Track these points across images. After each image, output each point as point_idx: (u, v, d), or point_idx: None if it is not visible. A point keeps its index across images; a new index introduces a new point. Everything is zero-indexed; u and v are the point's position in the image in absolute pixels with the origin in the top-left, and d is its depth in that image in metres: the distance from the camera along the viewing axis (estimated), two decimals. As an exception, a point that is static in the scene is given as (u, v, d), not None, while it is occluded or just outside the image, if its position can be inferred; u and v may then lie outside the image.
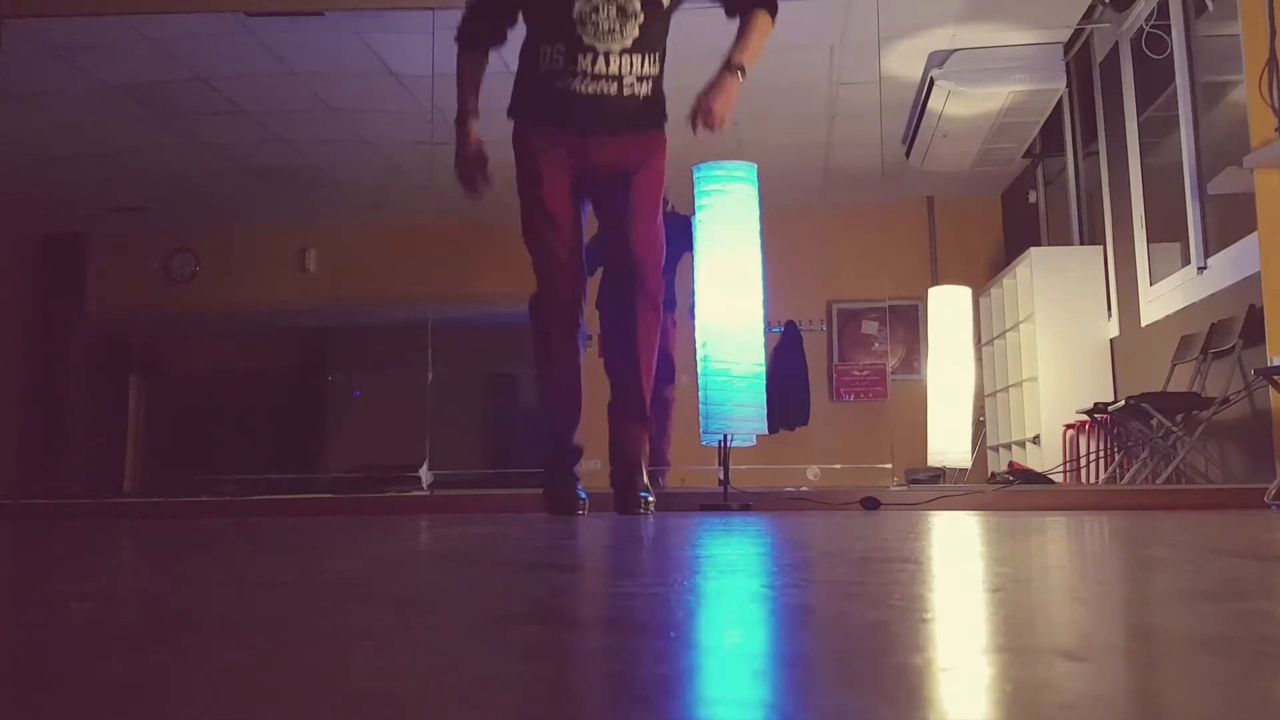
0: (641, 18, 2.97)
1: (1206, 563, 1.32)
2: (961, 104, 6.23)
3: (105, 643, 0.72)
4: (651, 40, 3.01)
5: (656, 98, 3.07)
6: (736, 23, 3.07)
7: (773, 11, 3.06)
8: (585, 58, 2.96)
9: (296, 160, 7.69)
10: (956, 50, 6.03)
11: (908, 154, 7.17)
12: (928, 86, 6.19)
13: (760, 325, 4.04)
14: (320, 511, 4.19)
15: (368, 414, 10.04)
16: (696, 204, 4.12)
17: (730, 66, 2.98)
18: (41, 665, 0.62)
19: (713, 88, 2.95)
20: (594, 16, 2.94)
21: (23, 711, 0.48)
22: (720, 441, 3.91)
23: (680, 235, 4.91)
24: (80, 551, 1.80)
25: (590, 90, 2.97)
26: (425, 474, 5.03)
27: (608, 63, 2.96)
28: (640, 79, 3.01)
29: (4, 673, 0.60)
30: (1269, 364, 3.86)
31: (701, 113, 2.93)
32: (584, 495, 3.08)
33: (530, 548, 1.76)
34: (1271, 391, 3.98)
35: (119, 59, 6.06)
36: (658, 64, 3.05)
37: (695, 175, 4.14)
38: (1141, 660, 0.62)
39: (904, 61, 6.18)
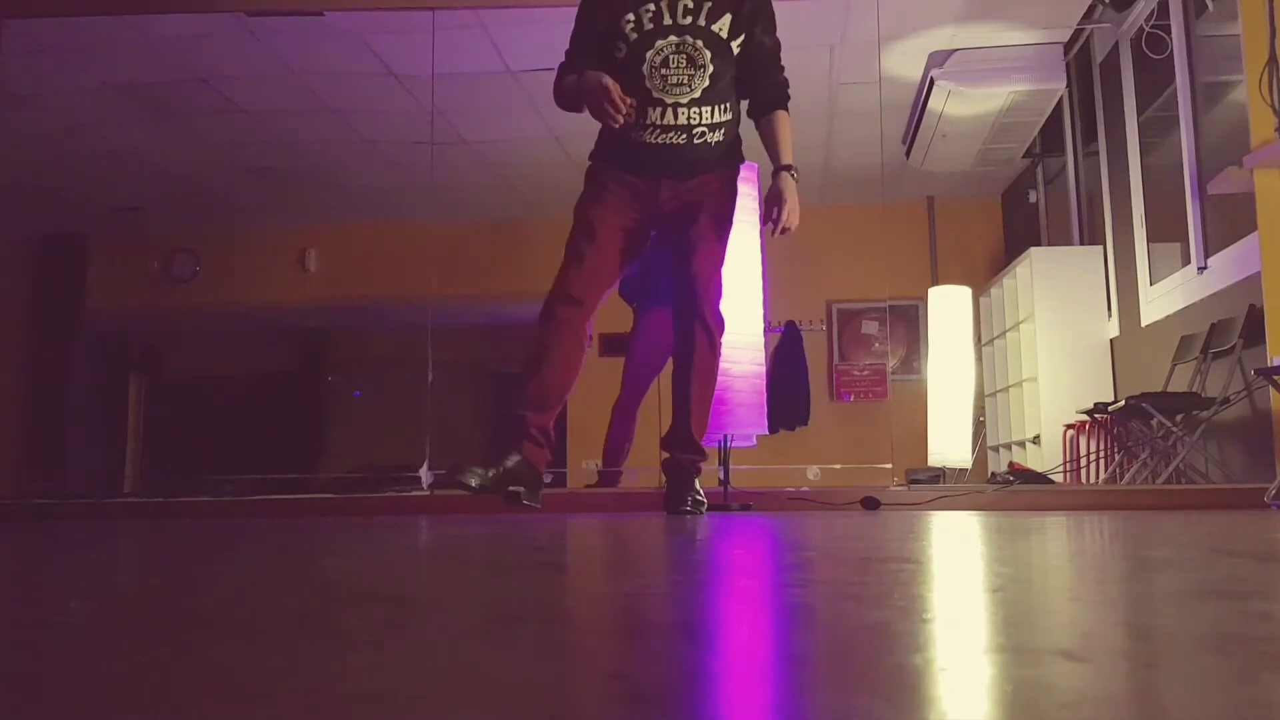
0: (711, 68, 3.05)
1: (1207, 563, 1.32)
2: (961, 104, 6.23)
3: (105, 643, 0.72)
4: (721, 90, 3.09)
5: (729, 142, 3.16)
6: (768, 122, 3.22)
7: (786, 106, 3.23)
8: (655, 110, 3.03)
9: (296, 160, 7.68)
10: (956, 50, 6.02)
11: (908, 154, 7.17)
12: (928, 86, 6.19)
13: (760, 325, 4.03)
14: (320, 512, 4.19)
15: (368, 414, 10.05)
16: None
17: (784, 169, 3.13)
18: (41, 665, 0.62)
19: (779, 197, 3.08)
20: (664, 69, 3.02)
21: (23, 712, 0.48)
22: (720, 442, 3.91)
23: None
24: (80, 551, 1.80)
25: (660, 141, 3.06)
26: (425, 474, 5.02)
27: (676, 115, 3.04)
28: (711, 128, 3.09)
29: (4, 673, 0.60)
30: (1269, 364, 3.86)
31: (779, 225, 3.08)
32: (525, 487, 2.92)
33: (530, 548, 1.76)
34: (1271, 391, 3.98)
35: (119, 59, 6.06)
36: (730, 111, 3.14)
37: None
38: (1141, 660, 0.62)
39: (904, 61, 6.17)
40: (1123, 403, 4.97)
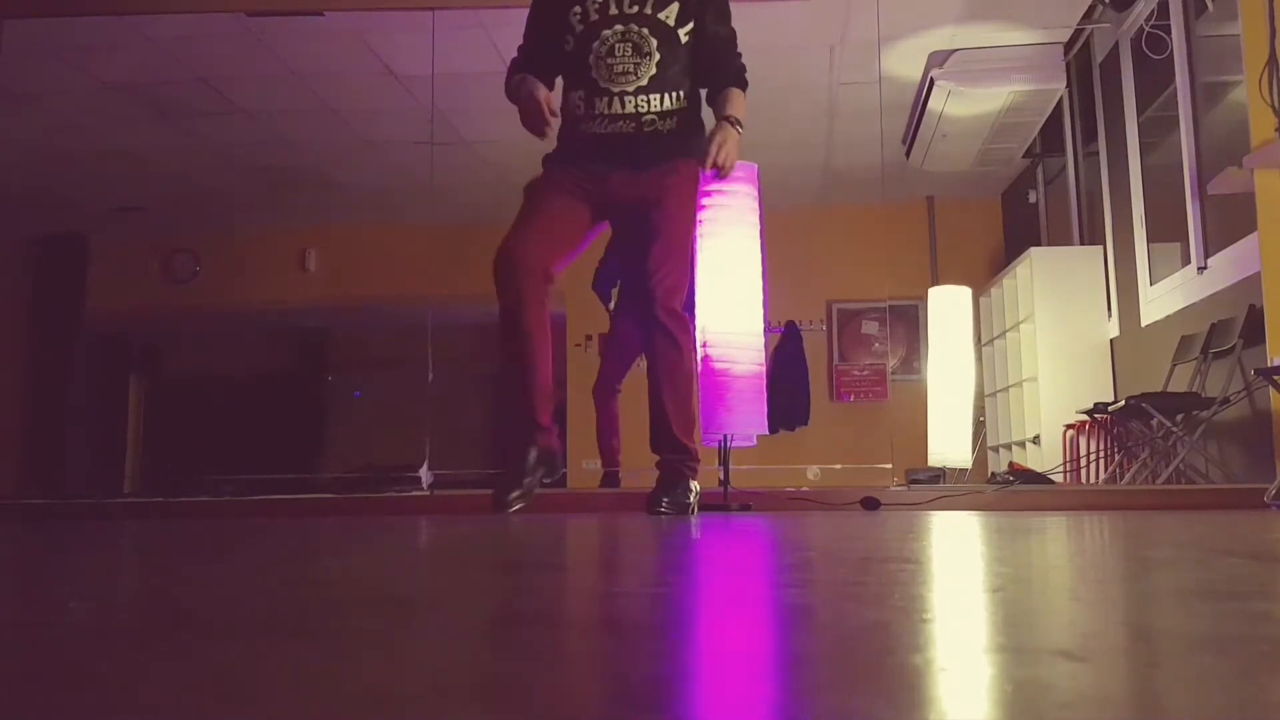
0: (658, 56, 3.02)
1: (1206, 563, 1.32)
2: (961, 104, 6.23)
3: (105, 643, 0.72)
4: (671, 78, 3.05)
5: (684, 130, 3.10)
6: (721, 94, 3.14)
7: (744, 88, 3.16)
8: (602, 100, 3.02)
9: (296, 160, 7.69)
10: (956, 50, 6.03)
11: (908, 154, 7.17)
12: (928, 86, 6.19)
13: (760, 325, 4.03)
14: (320, 512, 4.19)
15: (368, 414, 10.05)
16: (696, 204, 4.12)
17: (727, 120, 3.04)
18: (41, 665, 0.62)
19: (713, 137, 3.00)
20: (609, 59, 3.00)
21: (23, 712, 0.48)
22: (720, 441, 3.90)
23: None
24: (80, 551, 1.80)
25: (608, 131, 3.02)
26: (425, 474, 5.03)
27: (624, 104, 3.01)
28: (661, 116, 3.04)
29: (4, 673, 0.60)
30: (1269, 364, 3.86)
31: (710, 159, 2.98)
32: (527, 489, 2.99)
33: (530, 548, 1.76)
34: (1271, 391, 3.98)
35: (119, 59, 6.06)
36: (683, 100, 3.09)
37: (695, 175, 4.13)
38: (1141, 660, 0.62)
39: (904, 61, 6.18)
40: (1123, 403, 4.97)
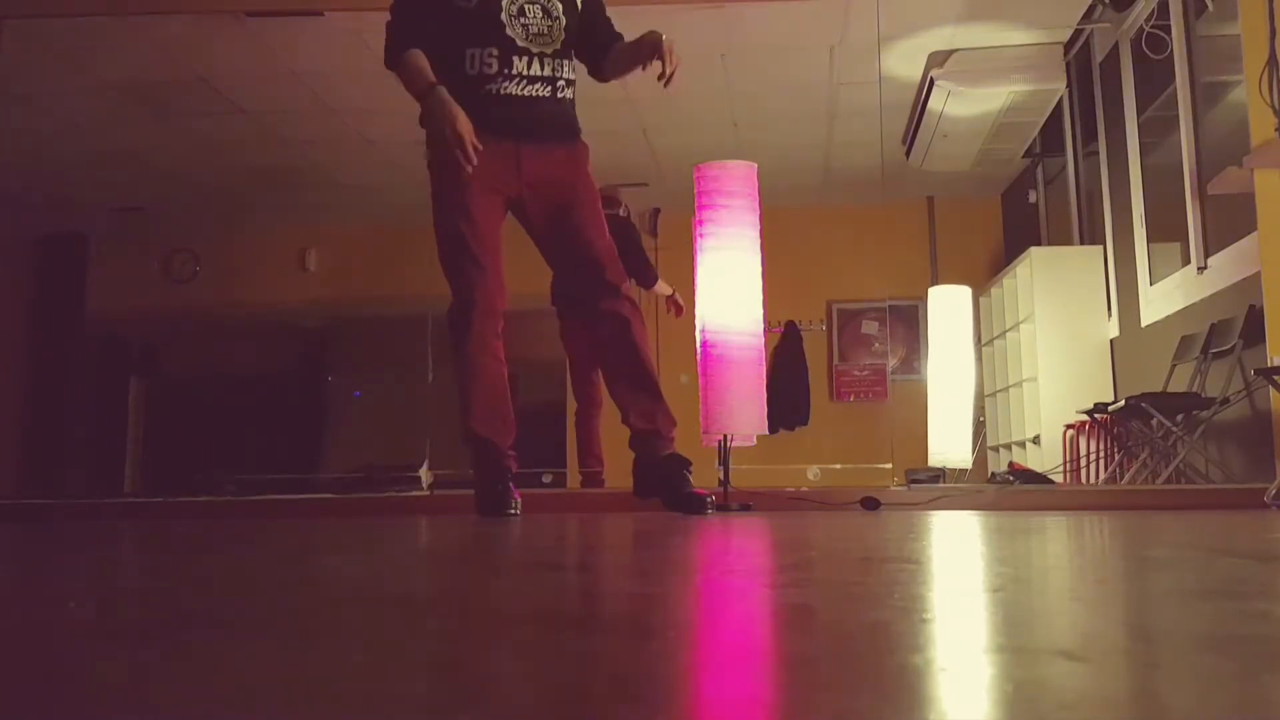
0: (564, 21, 3.01)
1: (1207, 563, 1.32)
2: (961, 104, 6.23)
3: (105, 643, 0.72)
4: (571, 48, 3.05)
5: (572, 108, 3.09)
6: (618, 45, 3.11)
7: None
8: (521, 60, 2.95)
9: (296, 160, 7.68)
10: (956, 50, 6.03)
11: (908, 154, 7.17)
12: (928, 86, 6.19)
13: (760, 325, 4.03)
14: (320, 512, 4.19)
15: (368, 414, 10.04)
16: (696, 204, 4.13)
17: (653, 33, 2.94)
18: (41, 665, 0.62)
19: (665, 43, 2.86)
20: (522, 19, 2.95)
21: (23, 711, 0.48)
22: (720, 441, 3.90)
23: (624, 240, 4.93)
24: (80, 551, 1.80)
25: (527, 92, 2.96)
26: (425, 474, 5.03)
27: (543, 65, 2.97)
28: (568, 83, 3.04)
29: (4, 673, 0.60)
30: (1269, 364, 3.86)
31: (665, 60, 2.84)
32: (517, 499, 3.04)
33: (530, 548, 1.76)
34: (1271, 391, 3.98)
35: (119, 59, 6.06)
36: (575, 72, 3.09)
37: (695, 175, 4.14)
38: (1142, 660, 0.62)
39: (904, 61, 6.18)
40: (1123, 403, 4.97)
